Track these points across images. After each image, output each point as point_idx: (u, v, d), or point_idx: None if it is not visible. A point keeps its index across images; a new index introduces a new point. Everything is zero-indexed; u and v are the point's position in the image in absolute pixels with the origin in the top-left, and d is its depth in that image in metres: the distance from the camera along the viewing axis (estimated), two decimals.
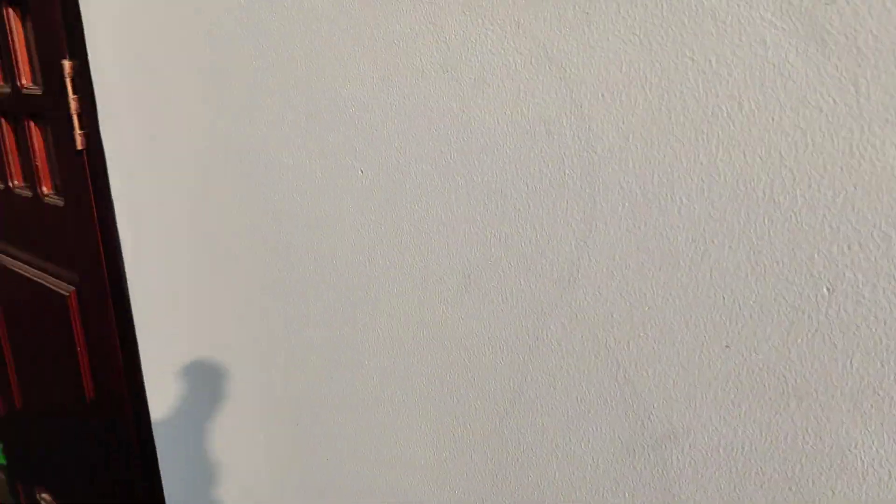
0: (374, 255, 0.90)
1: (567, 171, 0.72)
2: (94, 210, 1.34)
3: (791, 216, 0.61)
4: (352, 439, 1.04)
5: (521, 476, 0.86)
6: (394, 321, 0.92)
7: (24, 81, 1.40)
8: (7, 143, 1.52)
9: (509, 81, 0.73)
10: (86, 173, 1.32)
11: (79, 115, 1.29)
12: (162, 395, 1.39)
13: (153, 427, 1.44)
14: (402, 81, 0.81)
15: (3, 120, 1.51)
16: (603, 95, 0.68)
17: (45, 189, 1.47)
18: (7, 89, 1.44)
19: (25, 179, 1.54)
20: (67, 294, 1.51)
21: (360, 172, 0.89)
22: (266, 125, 0.97)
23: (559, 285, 0.75)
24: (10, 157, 1.53)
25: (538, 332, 0.78)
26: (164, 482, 1.48)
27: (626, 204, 0.69)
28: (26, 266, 1.63)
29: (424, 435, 0.94)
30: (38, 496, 1.92)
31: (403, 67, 0.80)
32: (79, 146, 1.30)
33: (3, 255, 1.70)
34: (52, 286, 1.55)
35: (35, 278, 1.59)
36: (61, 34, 1.25)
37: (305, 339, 1.04)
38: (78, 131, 1.29)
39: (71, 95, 1.28)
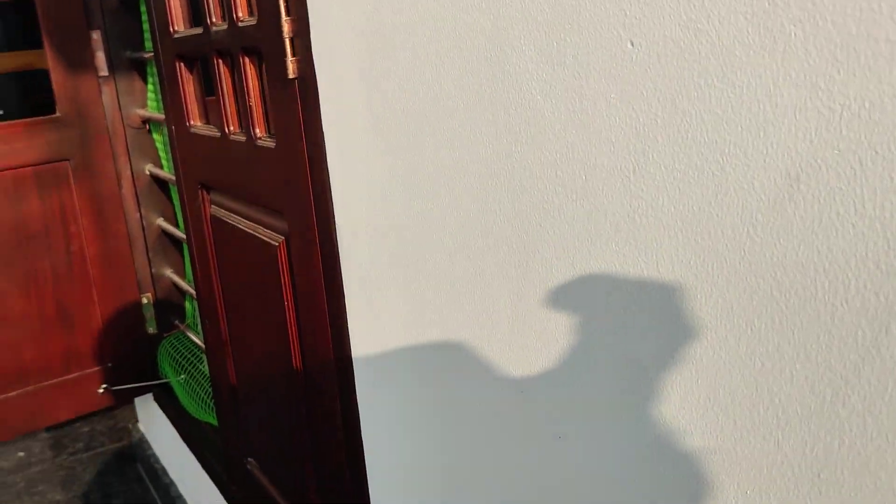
0: (645, 159, 0.67)
1: None
2: (305, 147, 1.22)
3: None
4: (606, 424, 0.82)
5: (859, 483, 0.58)
6: (669, 251, 0.67)
7: (240, 14, 1.32)
8: (224, 85, 1.46)
9: None
10: (297, 106, 1.20)
11: (291, 40, 1.18)
12: (369, 371, 1.24)
13: (359, 403, 1.31)
14: None
15: (220, 61, 1.45)
16: None
17: (258, 131, 1.39)
18: (224, 26, 1.38)
19: (241, 125, 1.48)
20: (277, 244, 1.42)
21: (629, 45, 0.65)
22: (504, 4, 0.77)
23: None
24: (227, 101, 1.47)
25: None
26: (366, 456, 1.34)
27: None
28: (238, 217, 1.58)
29: (701, 405, 0.68)
30: (244, 460, 1.89)
31: None
32: (290, 74, 1.18)
33: (218, 208, 1.67)
34: (262, 236, 1.47)
35: (247, 229, 1.53)
36: None
37: (543, 289, 0.83)
38: (290, 58, 1.18)
39: (283, 17, 1.16)
